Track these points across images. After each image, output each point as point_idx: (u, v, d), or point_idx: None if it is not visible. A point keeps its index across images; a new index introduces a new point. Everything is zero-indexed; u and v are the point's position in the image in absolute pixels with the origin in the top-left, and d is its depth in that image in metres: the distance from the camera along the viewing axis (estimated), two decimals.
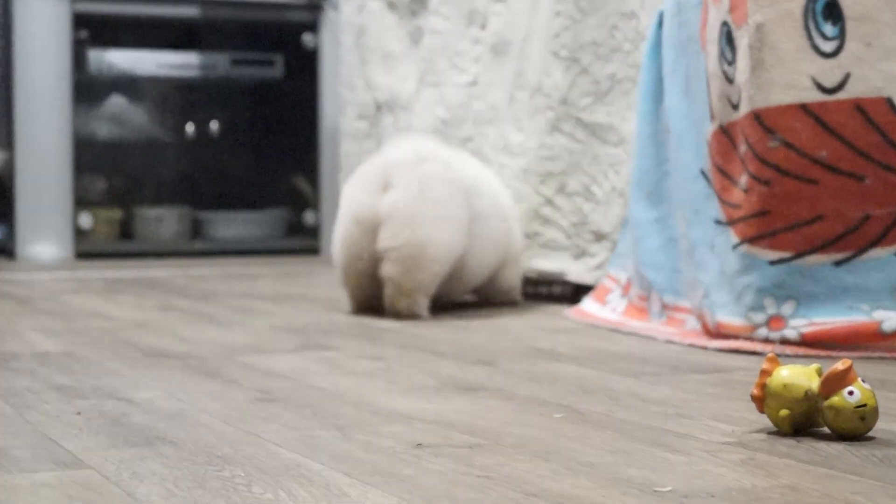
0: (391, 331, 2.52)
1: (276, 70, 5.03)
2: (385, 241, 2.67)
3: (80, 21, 4.72)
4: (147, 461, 1.34)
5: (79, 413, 1.63)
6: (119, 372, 1.99)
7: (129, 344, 2.31)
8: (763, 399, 1.47)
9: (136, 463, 1.34)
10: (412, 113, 3.58)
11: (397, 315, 2.70)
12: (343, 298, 2.92)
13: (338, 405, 1.68)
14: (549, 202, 3.02)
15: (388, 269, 2.69)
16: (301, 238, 4.93)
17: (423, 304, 2.72)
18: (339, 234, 2.80)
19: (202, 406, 1.68)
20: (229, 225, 4.85)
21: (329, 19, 4.93)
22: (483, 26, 3.37)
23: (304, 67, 4.97)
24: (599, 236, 2.93)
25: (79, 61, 4.74)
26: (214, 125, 5.01)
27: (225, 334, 2.47)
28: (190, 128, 4.95)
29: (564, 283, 3.06)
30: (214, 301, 3.06)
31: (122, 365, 2.06)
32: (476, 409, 1.65)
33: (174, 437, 1.47)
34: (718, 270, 2.27)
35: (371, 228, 2.71)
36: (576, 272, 2.96)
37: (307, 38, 4.95)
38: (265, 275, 3.91)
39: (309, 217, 4.92)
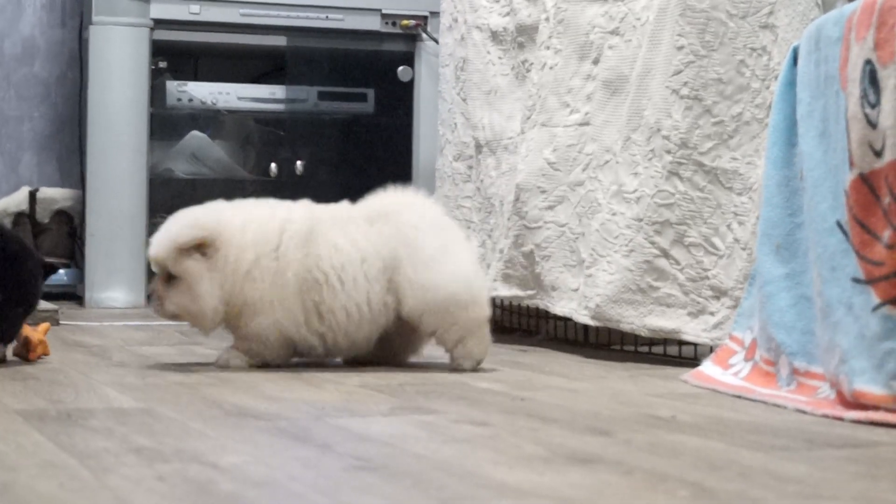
0: (493, 393, 2.51)
1: (368, 105, 5.06)
2: None
3: (159, 50, 4.77)
4: None
5: (161, 478, 1.63)
6: (202, 433, 2.00)
7: (210, 401, 2.32)
8: None
9: None
10: (517, 155, 3.58)
11: None
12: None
13: (440, 476, 1.67)
14: (665, 254, 3.00)
15: None
16: None
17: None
18: None
19: (293, 473, 1.68)
20: None
21: (425, 50, 4.95)
22: (597, 61, 3.36)
23: (399, 102, 4.99)
24: (720, 293, 2.91)
25: (156, 94, 4.79)
26: (300, 163, 5.03)
27: (314, 393, 2.47)
28: (274, 166, 4.98)
29: (680, 342, 3.04)
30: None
31: (205, 425, 2.07)
32: (592, 483, 1.63)
33: None
34: (857, 334, 2.24)
35: None
36: (693, 331, 2.94)
37: (402, 71, 4.97)
38: None
39: None
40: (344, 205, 2.96)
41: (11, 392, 2.40)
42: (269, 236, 2.80)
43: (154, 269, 2.83)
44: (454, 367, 2.86)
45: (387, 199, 2.93)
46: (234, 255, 2.77)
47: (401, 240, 2.81)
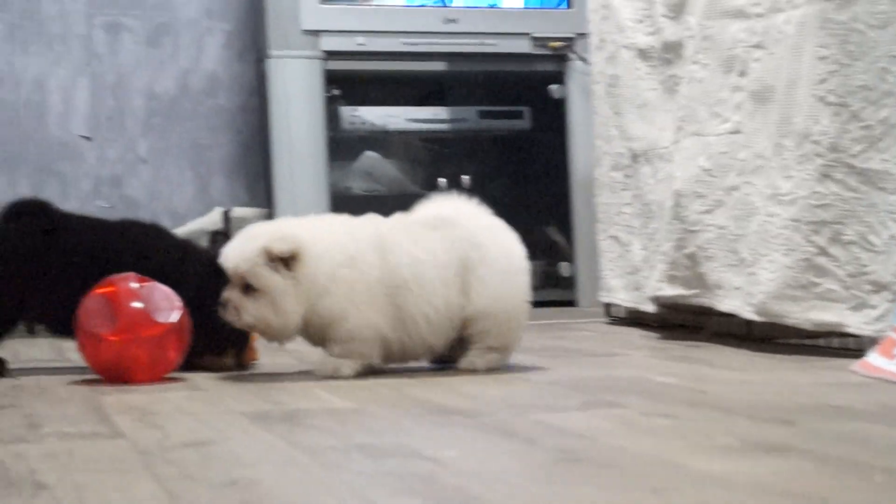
0: (673, 387, 2.48)
1: (524, 121, 5.05)
2: None
3: (332, 79, 4.80)
4: None
5: (389, 473, 1.63)
6: (413, 430, 2.00)
7: (414, 400, 2.32)
8: None
9: None
10: (672, 163, 3.55)
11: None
12: None
13: (644, 466, 1.65)
14: (824, 252, 2.95)
15: None
16: (556, 290, 4.92)
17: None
18: None
19: (507, 467, 1.67)
20: None
21: (575, 69, 4.93)
22: (743, 73, 3.31)
23: (552, 118, 4.97)
24: (880, 287, 2.85)
25: (332, 119, 4.82)
26: (466, 177, 5.03)
27: (506, 390, 2.46)
28: (442, 181, 4.99)
29: (842, 334, 2.98)
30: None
31: (415, 422, 2.07)
32: (789, 470, 1.60)
33: (490, 499, 1.46)
34: None
35: None
36: (855, 325, 2.88)
37: (554, 89, 4.95)
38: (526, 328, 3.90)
39: (564, 269, 4.91)
40: (399, 215, 2.82)
41: (234, 396, 2.43)
42: (343, 247, 2.65)
43: (231, 278, 2.65)
44: (466, 367, 2.74)
45: (441, 207, 2.82)
46: (312, 267, 2.61)
47: (471, 242, 2.70)
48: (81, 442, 1.93)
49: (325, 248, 2.64)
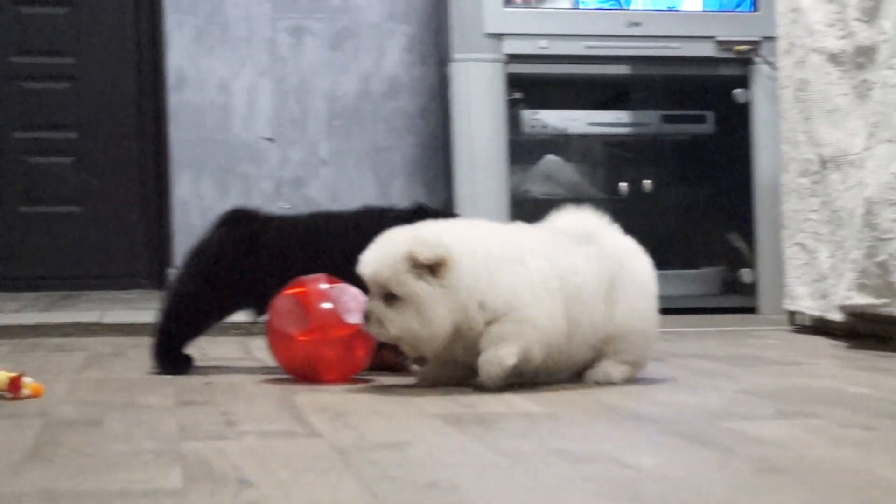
0: (869, 398, 2.44)
1: (708, 126, 5.01)
2: None
3: (514, 82, 4.80)
4: None
5: (587, 478, 1.63)
6: (608, 436, 2.00)
7: (604, 406, 2.31)
8: None
9: None
10: (863, 170, 3.48)
11: None
12: None
13: (847, 478, 1.63)
14: None
15: None
16: (737, 297, 4.86)
17: None
18: None
19: (706, 475, 1.66)
20: (663, 283, 4.82)
21: (760, 73, 4.87)
22: None
23: (736, 122, 4.92)
24: None
25: (513, 122, 4.83)
26: (647, 182, 5.00)
27: (697, 397, 2.44)
28: (622, 185, 4.97)
29: None
30: (669, 361, 3.04)
31: (608, 428, 2.07)
32: None
33: None
34: None
35: None
36: None
37: (738, 93, 4.90)
38: (708, 335, 3.87)
39: (745, 275, 4.85)
40: (534, 227, 2.68)
41: (423, 397, 2.44)
42: (506, 249, 2.49)
43: (370, 287, 2.48)
44: (602, 379, 2.60)
45: (576, 220, 2.68)
46: (468, 271, 2.44)
47: (615, 259, 2.60)
48: (280, 440, 1.96)
49: (485, 251, 2.47)
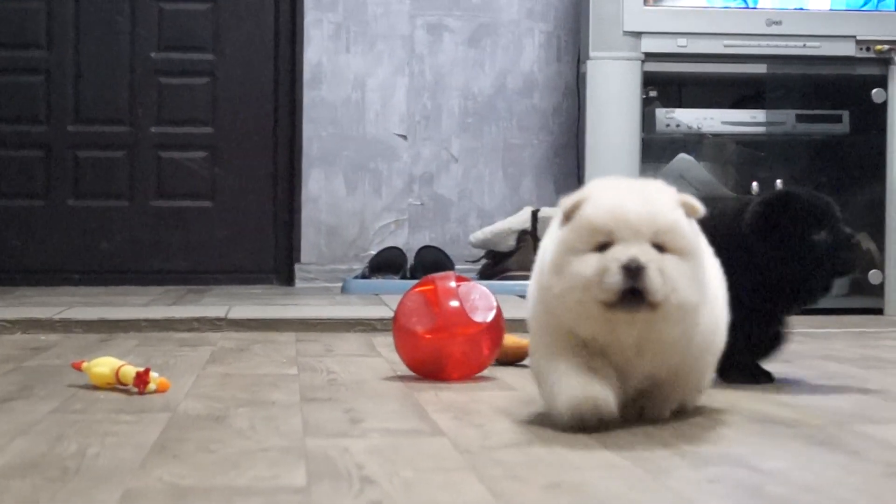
0: None
1: (843, 125, 4.93)
2: None
3: (649, 81, 4.77)
4: None
5: (713, 481, 1.62)
6: (735, 438, 1.98)
7: (731, 407, 2.28)
8: None
9: None
10: None
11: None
12: None
13: None
14: None
15: None
16: (864, 298, 4.78)
17: None
18: None
19: (836, 479, 1.64)
20: None
21: None
22: None
23: (872, 123, 4.84)
24: None
25: (647, 120, 4.80)
26: (779, 181, 4.94)
27: (826, 399, 2.41)
28: (756, 185, 4.91)
29: None
30: (796, 362, 3.00)
31: (735, 431, 2.05)
32: None
33: None
34: None
35: None
36: None
37: (876, 93, 4.82)
38: (835, 336, 3.81)
39: (873, 276, 4.77)
40: None
41: None
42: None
43: (631, 236, 1.92)
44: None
45: None
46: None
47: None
48: (404, 439, 1.97)
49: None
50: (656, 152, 4.90)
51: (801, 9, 4.84)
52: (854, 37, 4.82)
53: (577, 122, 5.18)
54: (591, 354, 2.01)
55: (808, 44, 4.81)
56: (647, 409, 2.10)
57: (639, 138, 4.72)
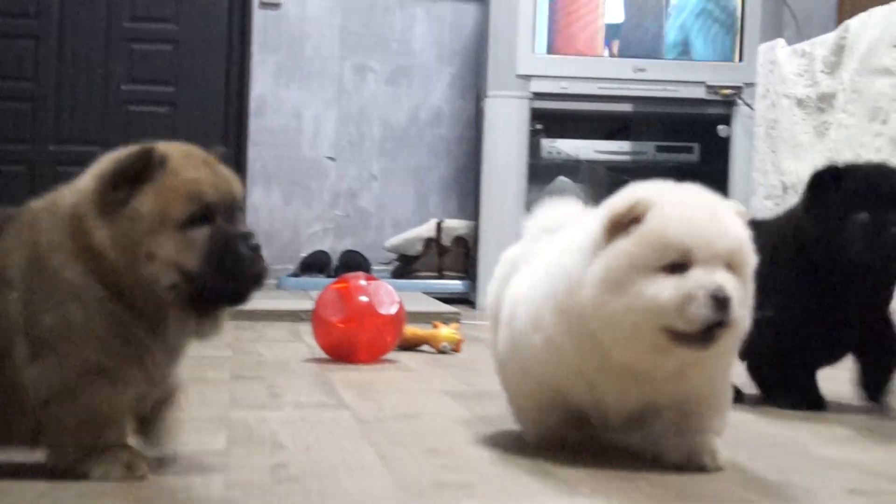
0: None
1: (695, 155, 5.00)
2: None
3: (537, 116, 4.82)
4: None
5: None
6: None
7: None
8: None
9: None
10: None
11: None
12: None
13: None
14: None
15: None
16: None
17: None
18: None
19: None
20: None
21: (740, 113, 4.86)
22: (885, 122, 3.24)
23: (717, 154, 4.91)
24: None
25: (533, 148, 4.84)
26: None
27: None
28: None
29: None
30: None
31: None
32: None
33: None
34: None
35: None
36: None
37: (721, 129, 4.89)
38: None
39: None
40: None
41: (438, 377, 2.45)
42: None
43: (705, 260, 1.46)
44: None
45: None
46: None
47: None
48: (313, 410, 1.98)
49: None
50: (541, 175, 4.94)
51: (661, 58, 4.90)
52: (704, 82, 4.88)
53: (476, 149, 5.21)
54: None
55: (666, 87, 4.87)
56: (680, 450, 1.54)
57: (526, 163, 4.77)
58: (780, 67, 3.89)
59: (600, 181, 5.11)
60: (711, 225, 1.47)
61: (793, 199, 3.70)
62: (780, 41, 4.02)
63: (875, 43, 3.36)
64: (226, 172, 1.47)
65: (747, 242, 1.51)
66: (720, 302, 1.43)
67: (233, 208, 1.44)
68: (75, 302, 1.37)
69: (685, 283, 1.44)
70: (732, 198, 4.65)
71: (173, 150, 1.42)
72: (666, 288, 1.44)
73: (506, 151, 4.75)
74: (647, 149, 4.98)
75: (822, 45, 3.65)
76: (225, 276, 1.39)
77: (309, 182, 5.51)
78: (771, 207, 3.86)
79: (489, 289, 1.78)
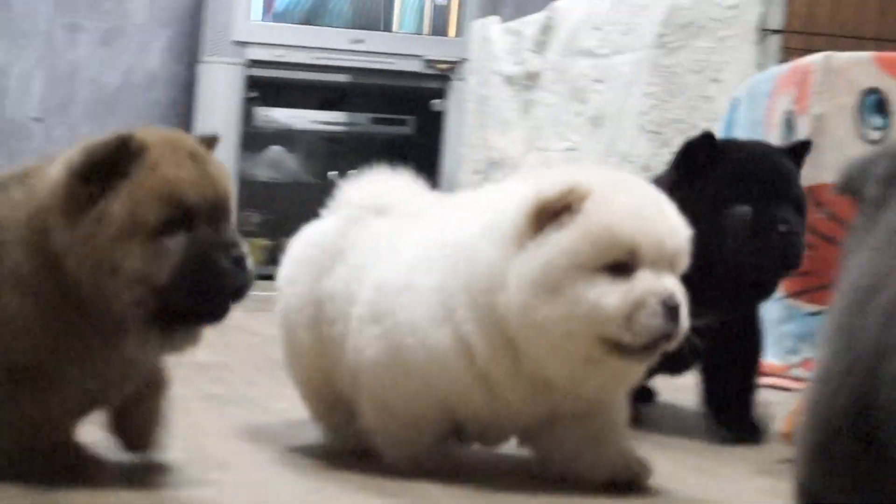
0: None
1: (409, 128, 5.06)
2: None
3: (252, 83, 4.78)
4: None
5: None
6: None
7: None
8: None
9: None
10: (519, 171, 3.57)
11: None
12: None
13: None
14: None
15: None
16: None
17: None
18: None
19: None
20: None
21: (454, 88, 4.93)
22: (584, 101, 3.36)
23: (431, 128, 4.98)
24: None
25: (247, 116, 4.80)
26: (353, 172, 5.01)
27: None
28: (333, 174, 4.98)
29: None
30: None
31: None
32: None
33: None
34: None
35: None
36: None
37: (435, 103, 4.96)
38: None
39: None
40: None
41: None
42: None
43: (653, 261, 1.31)
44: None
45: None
46: None
47: None
48: None
49: None
50: (255, 144, 4.91)
51: (380, 30, 4.93)
52: (421, 56, 4.94)
53: (190, 115, 5.12)
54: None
55: (383, 59, 4.90)
56: (603, 464, 1.39)
57: (238, 131, 4.73)
58: (492, 44, 3.97)
59: (313, 151, 5.12)
60: (660, 220, 1.29)
61: (498, 175, 3.79)
62: (494, 18, 4.11)
63: (578, 24, 3.47)
64: (214, 169, 1.32)
65: (688, 242, 1.34)
66: (671, 311, 1.26)
67: (217, 212, 1.28)
68: (15, 292, 1.22)
69: (633, 288, 1.26)
70: (444, 172, 4.76)
71: (155, 140, 1.27)
72: (610, 293, 1.26)
73: (219, 119, 4.69)
74: (363, 120, 5.01)
75: (531, 24, 3.75)
76: (198, 291, 1.24)
77: (13, 144, 5.30)
78: (478, 182, 3.95)
79: (289, 276, 1.60)
